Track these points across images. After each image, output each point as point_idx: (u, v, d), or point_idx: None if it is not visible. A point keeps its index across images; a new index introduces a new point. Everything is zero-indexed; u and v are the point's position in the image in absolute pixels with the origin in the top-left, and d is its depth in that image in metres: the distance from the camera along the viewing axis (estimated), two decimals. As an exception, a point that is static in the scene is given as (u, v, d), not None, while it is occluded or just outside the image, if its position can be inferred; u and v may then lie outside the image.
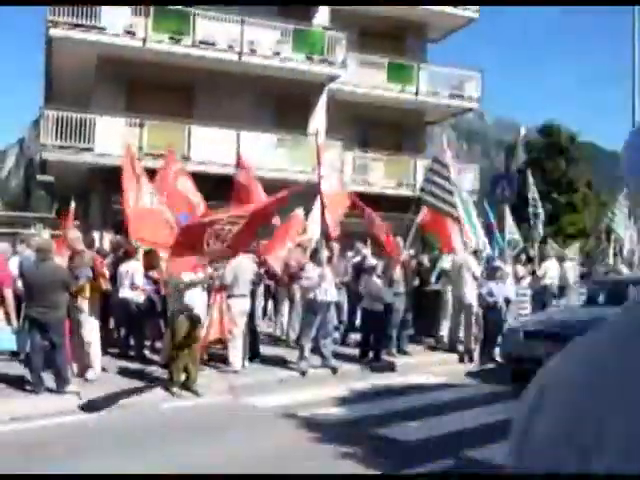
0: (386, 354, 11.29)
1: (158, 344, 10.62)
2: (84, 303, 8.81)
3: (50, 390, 8.06)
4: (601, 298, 11.71)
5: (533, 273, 15.70)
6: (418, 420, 7.53)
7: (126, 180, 9.60)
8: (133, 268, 10.39)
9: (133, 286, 10.36)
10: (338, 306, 12.36)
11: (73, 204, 10.88)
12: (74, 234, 9.03)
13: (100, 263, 9.12)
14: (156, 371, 9.41)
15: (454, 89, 24.97)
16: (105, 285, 9.09)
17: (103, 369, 9.08)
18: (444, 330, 13.10)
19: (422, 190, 11.58)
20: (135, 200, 9.37)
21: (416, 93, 23.83)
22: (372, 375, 10.29)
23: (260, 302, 12.31)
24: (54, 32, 18.32)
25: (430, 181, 11.38)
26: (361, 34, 23.52)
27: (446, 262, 12.85)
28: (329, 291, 10.13)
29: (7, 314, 8.23)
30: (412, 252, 12.99)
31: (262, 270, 10.92)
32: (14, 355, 8.90)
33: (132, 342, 10.78)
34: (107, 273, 9.39)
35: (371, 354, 11.11)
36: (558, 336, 8.89)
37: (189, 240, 8.25)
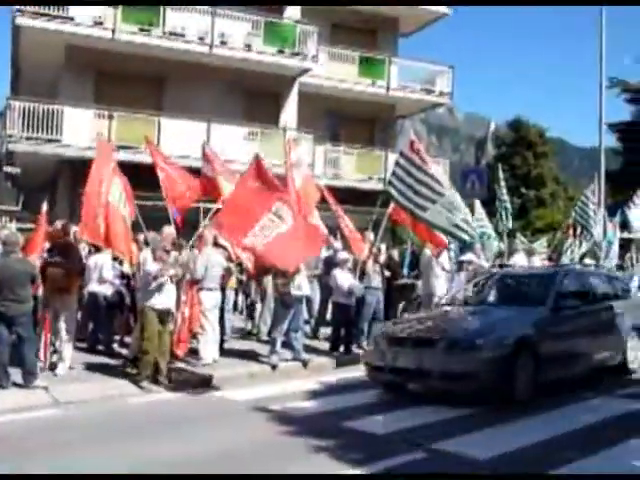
0: (357, 347, 11.33)
1: (127, 338, 10.51)
2: (72, 298, 8.74)
3: (17, 385, 7.94)
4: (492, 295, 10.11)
5: (501, 267, 15.84)
6: (388, 412, 7.57)
7: (97, 172, 9.41)
8: (101, 261, 10.28)
9: (101, 280, 10.26)
10: (309, 300, 12.37)
11: (45, 207, 10.73)
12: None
13: None
14: (125, 365, 9.32)
15: (425, 84, 25.11)
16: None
17: (70, 366, 8.97)
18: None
19: (389, 183, 11.56)
20: (105, 194, 9.18)
21: (387, 87, 23.90)
22: (342, 368, 10.31)
23: (231, 296, 12.24)
24: (21, 21, 18.01)
25: (396, 176, 11.36)
26: (333, 27, 23.53)
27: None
28: (302, 285, 10.13)
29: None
30: (383, 246, 13.02)
31: (234, 264, 10.88)
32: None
33: (100, 336, 10.67)
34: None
35: (342, 348, 11.14)
36: (425, 342, 8.12)
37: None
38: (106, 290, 10.38)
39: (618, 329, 9.69)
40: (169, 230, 9.51)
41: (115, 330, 10.81)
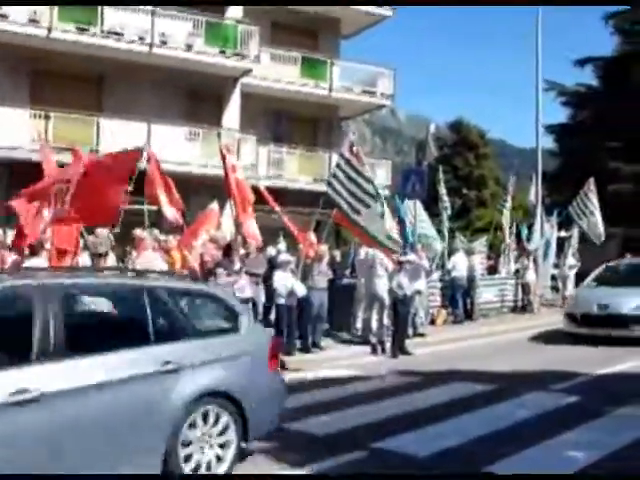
0: (301, 349, 11.33)
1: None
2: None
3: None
4: None
5: (442, 266, 16.14)
6: (329, 413, 7.58)
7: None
8: (37, 265, 10.00)
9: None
10: (254, 302, 12.32)
11: None
12: None
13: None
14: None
15: (367, 85, 25.30)
16: None
17: None
18: (358, 323, 13.29)
19: (328, 184, 11.64)
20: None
21: (330, 89, 23.99)
22: (285, 370, 10.29)
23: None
24: (-50, 18, 17.41)
25: (335, 177, 11.45)
26: (274, 28, 23.51)
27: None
28: (245, 288, 10.07)
29: None
30: (325, 247, 13.06)
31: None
32: None
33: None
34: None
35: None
36: None
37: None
38: None
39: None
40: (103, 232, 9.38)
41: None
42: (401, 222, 15.12)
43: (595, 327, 12.82)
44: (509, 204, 20.09)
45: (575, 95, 34.46)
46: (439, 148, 46.08)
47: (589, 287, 14.77)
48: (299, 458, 5.98)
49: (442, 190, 17.83)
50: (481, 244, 18.62)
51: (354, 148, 11.30)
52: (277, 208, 12.21)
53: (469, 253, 16.60)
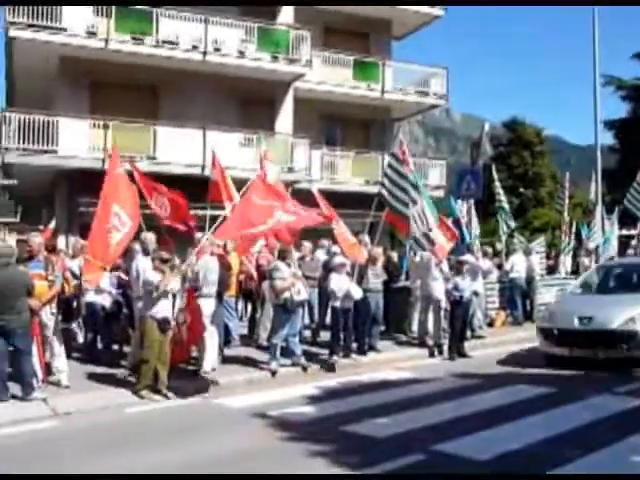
0: (357, 351, 11.31)
1: (126, 348, 10.49)
2: (50, 306, 8.70)
3: (16, 397, 7.92)
4: None
5: (500, 267, 15.87)
6: (389, 416, 7.55)
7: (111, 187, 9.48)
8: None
9: (98, 290, 10.24)
10: (309, 305, 12.37)
11: (54, 222, 10.73)
12: (35, 238, 8.89)
13: (62, 266, 9.04)
14: (125, 375, 9.30)
15: (420, 86, 25.15)
16: (68, 288, 9.01)
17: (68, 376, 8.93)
18: (414, 325, 13.19)
19: (381, 185, 11.67)
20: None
21: (382, 90, 23.92)
22: (342, 372, 10.29)
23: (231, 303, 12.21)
24: (14, 33, 18.03)
25: (386, 176, 11.48)
26: (325, 32, 23.57)
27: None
28: (302, 290, 10.13)
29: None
30: (380, 249, 13.00)
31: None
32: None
33: (99, 346, 10.66)
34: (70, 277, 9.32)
35: (341, 352, 11.11)
36: None
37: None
38: (103, 300, 10.37)
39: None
40: (150, 236, 9.58)
41: (113, 340, 10.77)
42: (457, 223, 14.95)
43: (576, 347, 10.27)
44: (566, 202, 19.62)
45: (634, 89, 33.49)
46: (494, 147, 45.56)
47: (573, 294, 12.39)
48: (359, 460, 5.98)
49: (497, 189, 17.54)
50: (539, 244, 18.23)
51: (403, 147, 11.33)
52: (331, 211, 12.16)
53: (527, 253, 16.29)
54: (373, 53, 24.53)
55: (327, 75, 22.97)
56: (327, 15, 23.08)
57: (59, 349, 8.72)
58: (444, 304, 12.15)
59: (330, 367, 10.49)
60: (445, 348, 11.90)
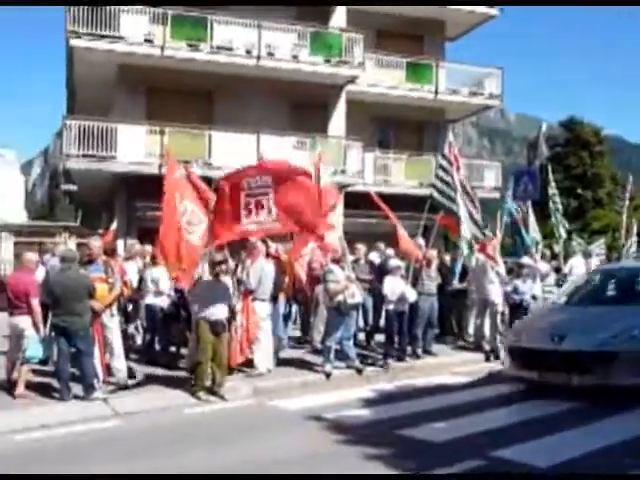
0: (412, 354, 11.24)
1: (183, 350, 10.65)
2: (111, 308, 8.89)
3: (78, 397, 8.13)
4: None
5: (558, 270, 15.53)
6: (445, 420, 7.47)
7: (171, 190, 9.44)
8: (157, 274, 10.45)
9: (158, 292, 10.42)
10: (364, 308, 12.34)
11: (115, 225, 10.92)
12: (95, 242, 9.11)
13: (120, 269, 9.24)
14: (182, 376, 9.44)
15: (474, 87, 24.85)
16: (127, 291, 9.20)
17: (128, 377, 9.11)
18: (470, 329, 13.03)
19: (432, 186, 11.60)
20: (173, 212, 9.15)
21: (435, 92, 23.74)
22: (397, 376, 10.23)
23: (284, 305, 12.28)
24: (74, 42, 18.54)
25: (438, 178, 11.41)
26: (378, 34, 23.51)
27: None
28: (356, 293, 10.11)
29: (35, 323, 8.34)
30: (434, 251, 12.89)
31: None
32: (42, 363, 8.97)
33: (157, 347, 10.84)
34: (129, 279, 9.51)
35: (396, 355, 11.05)
36: None
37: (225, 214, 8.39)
38: (162, 302, 10.54)
39: None
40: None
41: (172, 341, 10.95)
42: (514, 225, 14.70)
43: (547, 370, 8.47)
44: (627, 203, 19.09)
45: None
46: (551, 147, 44.66)
47: (553, 306, 10.76)
48: (415, 464, 5.94)
49: (553, 190, 17.19)
50: (599, 246, 17.81)
51: (452, 149, 11.27)
52: (392, 214, 12.08)
53: (587, 256, 15.92)
54: (426, 54, 24.35)
55: (380, 77, 22.92)
56: (379, 18, 23.02)
57: (119, 350, 8.90)
58: (501, 308, 11.97)
59: (385, 370, 10.43)
60: (502, 353, 11.69)
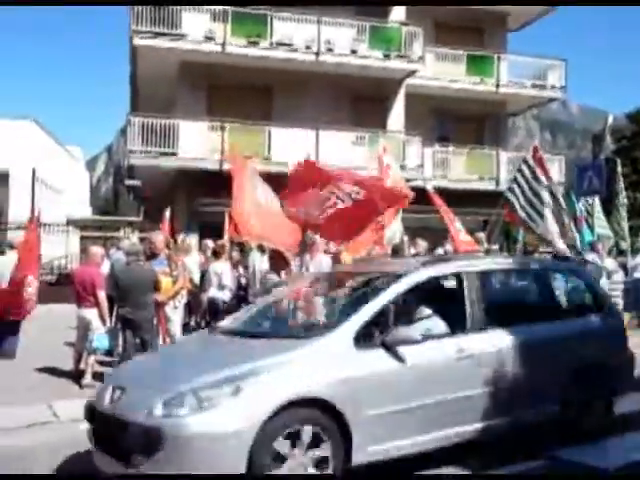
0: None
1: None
2: (174, 301, 9.07)
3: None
4: None
5: (625, 267, 15.08)
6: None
7: (238, 181, 9.57)
8: (220, 268, 10.59)
9: (221, 286, 10.56)
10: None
11: (168, 212, 11.18)
12: (158, 237, 9.32)
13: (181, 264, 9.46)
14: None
15: (536, 79, 24.34)
16: (186, 284, 9.41)
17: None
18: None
19: (508, 189, 11.36)
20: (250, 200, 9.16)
21: (497, 84, 23.36)
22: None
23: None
24: (138, 41, 18.97)
25: (516, 182, 11.17)
26: (437, 27, 23.27)
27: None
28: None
29: (101, 315, 8.59)
30: (496, 247, 12.69)
31: None
32: (108, 354, 9.22)
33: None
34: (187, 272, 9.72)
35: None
36: None
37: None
38: (224, 295, 10.64)
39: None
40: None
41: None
42: (577, 220, 14.32)
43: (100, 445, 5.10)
44: None
45: None
46: (617, 140, 43.41)
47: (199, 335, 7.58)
48: (471, 463, 5.85)
49: (620, 185, 16.67)
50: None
51: (538, 154, 10.99)
52: (447, 210, 11.97)
53: (651, 254, 15.40)
54: (488, 46, 23.98)
55: (440, 71, 22.69)
56: (439, 10, 22.79)
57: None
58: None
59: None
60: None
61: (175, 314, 8.97)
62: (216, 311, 10.67)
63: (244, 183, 9.25)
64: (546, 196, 11.12)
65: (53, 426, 6.97)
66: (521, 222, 11.42)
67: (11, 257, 10.53)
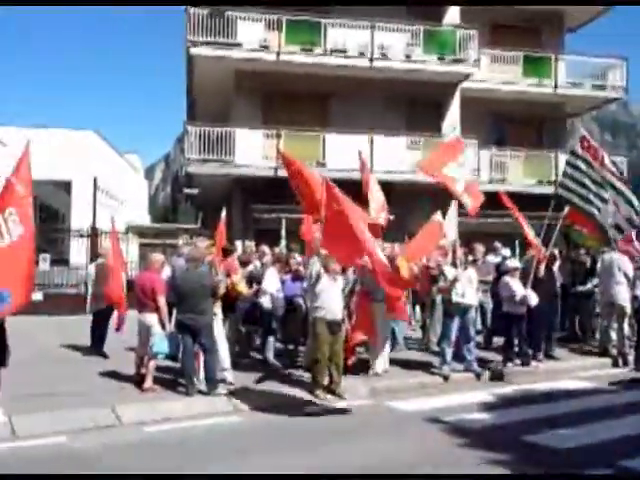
0: (533, 359, 10.87)
1: (301, 347, 10.81)
2: (217, 307, 9.13)
3: (202, 392, 8.43)
4: None
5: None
6: (568, 427, 7.19)
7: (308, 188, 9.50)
8: (275, 275, 10.62)
9: (278, 290, 10.55)
10: (482, 309, 12.08)
11: (224, 213, 11.27)
12: (202, 243, 9.48)
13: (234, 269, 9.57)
14: (300, 375, 9.59)
15: (596, 79, 23.76)
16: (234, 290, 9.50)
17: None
18: (597, 333, 12.46)
19: (560, 185, 11.06)
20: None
21: (555, 86, 22.89)
22: (518, 380, 9.93)
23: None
24: (194, 51, 19.29)
25: (568, 176, 10.85)
26: (493, 28, 22.95)
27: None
28: (466, 293, 9.90)
29: (161, 319, 8.73)
30: (556, 250, 12.41)
31: None
32: (169, 358, 9.37)
33: (279, 346, 11.01)
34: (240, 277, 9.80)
35: (517, 359, 10.73)
36: None
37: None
38: (265, 302, 10.48)
39: None
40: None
41: (289, 340, 11.10)
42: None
43: None
44: None
45: None
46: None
47: None
48: (535, 472, 5.74)
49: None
50: None
51: (586, 143, 10.67)
52: (517, 213, 11.68)
53: None
54: (544, 47, 23.52)
55: (495, 73, 22.39)
56: (494, 11, 22.48)
57: (224, 348, 9.10)
58: (629, 310, 11.37)
59: (499, 375, 10.15)
60: (630, 358, 11.12)
61: (215, 320, 8.92)
62: (269, 317, 10.58)
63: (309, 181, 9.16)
64: (605, 184, 10.74)
65: (116, 429, 7.14)
66: (584, 219, 11.08)
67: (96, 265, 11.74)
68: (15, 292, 6.74)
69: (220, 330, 9.07)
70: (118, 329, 10.29)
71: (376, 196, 11.01)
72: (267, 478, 5.63)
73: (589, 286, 12.61)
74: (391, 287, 8.21)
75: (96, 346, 11.08)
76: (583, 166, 10.66)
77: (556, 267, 11.71)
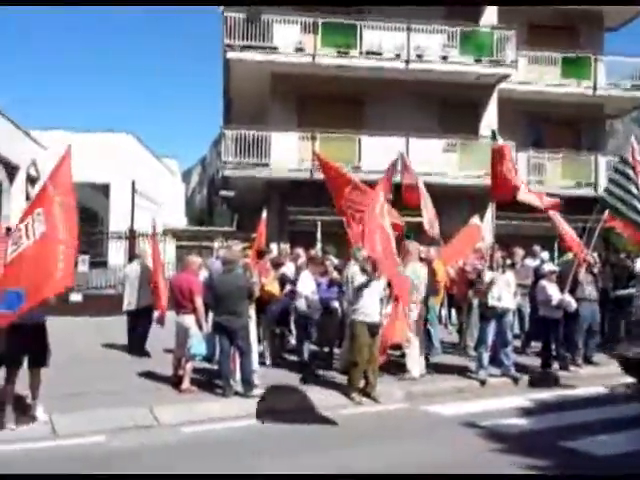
0: (572, 364, 10.71)
1: (336, 350, 10.81)
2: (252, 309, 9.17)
3: (238, 394, 8.48)
4: None
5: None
6: (606, 433, 7.07)
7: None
8: (302, 277, 10.63)
9: (313, 292, 10.56)
10: (520, 313, 11.94)
11: (265, 214, 11.36)
12: (236, 246, 9.55)
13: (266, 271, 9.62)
14: (336, 377, 9.59)
15: (636, 79, 23.29)
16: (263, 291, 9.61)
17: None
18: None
19: (605, 191, 10.87)
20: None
21: (594, 87, 22.51)
22: (556, 385, 9.80)
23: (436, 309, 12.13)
24: (231, 55, 19.45)
25: (614, 182, 10.66)
26: (530, 29, 22.65)
27: None
28: (502, 297, 9.79)
29: (198, 320, 8.82)
30: (595, 254, 12.21)
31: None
32: (206, 360, 9.46)
33: (312, 348, 11.02)
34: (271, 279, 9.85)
35: (556, 364, 10.58)
36: None
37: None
38: (301, 305, 10.47)
39: None
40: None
41: (325, 342, 11.09)
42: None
43: None
44: None
45: None
46: None
47: None
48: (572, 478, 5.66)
49: None
50: None
51: (635, 151, 10.50)
52: (556, 215, 11.51)
53: None
54: (583, 47, 23.12)
55: (533, 74, 22.10)
56: (532, 11, 22.22)
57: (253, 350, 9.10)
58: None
59: (539, 380, 10.02)
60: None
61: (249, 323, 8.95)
62: (305, 320, 10.59)
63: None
64: None
65: (154, 430, 7.23)
66: (626, 226, 10.88)
67: (133, 266, 11.99)
68: (29, 291, 6.50)
69: (252, 332, 9.12)
70: (160, 322, 10.43)
71: (429, 206, 10.99)
72: (297, 478, 5.65)
73: (631, 290, 12.37)
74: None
75: (138, 345, 11.20)
76: (631, 173, 10.49)
77: (596, 270, 11.50)
